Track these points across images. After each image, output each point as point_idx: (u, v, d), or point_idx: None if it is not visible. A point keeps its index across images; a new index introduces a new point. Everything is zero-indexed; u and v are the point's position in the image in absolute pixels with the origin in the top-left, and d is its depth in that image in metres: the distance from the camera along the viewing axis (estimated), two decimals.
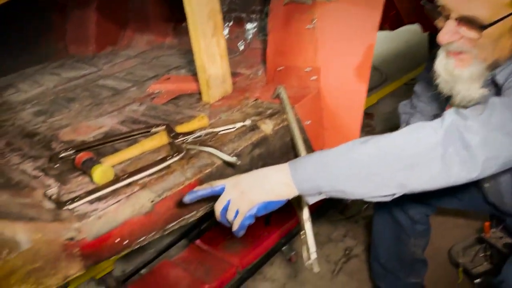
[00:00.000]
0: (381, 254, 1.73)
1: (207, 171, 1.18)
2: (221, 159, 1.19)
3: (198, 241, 2.28)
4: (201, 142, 1.26)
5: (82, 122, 1.62)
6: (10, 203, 1.03)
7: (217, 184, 1.03)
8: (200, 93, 1.60)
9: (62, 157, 1.29)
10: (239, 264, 2.09)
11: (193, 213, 1.19)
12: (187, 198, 1.03)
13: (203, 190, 1.04)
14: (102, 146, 1.36)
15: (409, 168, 0.90)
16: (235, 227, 1.02)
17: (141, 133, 1.36)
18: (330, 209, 2.44)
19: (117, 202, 1.06)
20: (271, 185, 0.97)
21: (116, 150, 1.31)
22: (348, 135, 1.34)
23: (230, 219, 1.02)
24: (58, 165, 1.25)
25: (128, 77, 2.06)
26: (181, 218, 1.17)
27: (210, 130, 1.29)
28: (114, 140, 1.36)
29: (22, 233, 0.90)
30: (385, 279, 1.76)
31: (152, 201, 1.09)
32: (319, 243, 2.27)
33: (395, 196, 0.95)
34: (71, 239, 0.98)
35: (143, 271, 2.22)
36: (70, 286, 2.10)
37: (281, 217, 2.27)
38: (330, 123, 1.41)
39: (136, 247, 1.12)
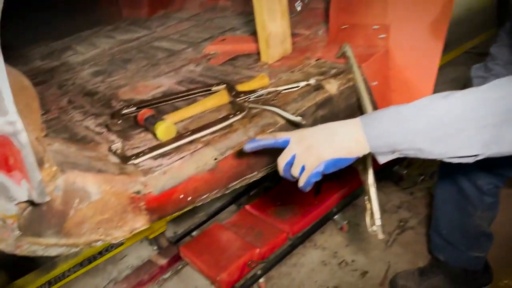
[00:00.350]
0: (443, 225, 1.65)
1: (269, 130, 1.15)
2: (284, 118, 1.15)
3: (248, 207, 2.28)
4: (263, 101, 1.22)
5: (140, 82, 1.62)
6: (78, 155, 1.04)
7: (281, 136, 0.95)
8: (258, 54, 1.56)
9: (123, 114, 1.30)
10: (290, 231, 2.07)
11: (254, 173, 1.17)
12: (247, 146, 0.97)
13: (266, 140, 0.96)
14: (162, 104, 1.35)
15: (498, 125, 0.81)
16: (300, 184, 0.96)
17: (202, 91, 1.34)
18: (384, 180, 2.36)
19: (181, 158, 1.05)
20: (340, 141, 0.90)
21: (176, 109, 1.30)
22: (419, 97, 1.25)
23: (295, 175, 0.96)
24: (120, 121, 1.25)
25: (182, 39, 2.04)
26: (243, 177, 1.15)
27: (273, 89, 1.24)
28: (174, 99, 1.35)
29: (92, 184, 0.91)
30: (445, 251, 1.69)
31: (215, 159, 1.07)
32: None
33: (477, 159, 0.87)
34: (138, 192, 0.98)
35: (194, 233, 2.26)
36: (125, 244, 2.18)
37: (332, 186, 2.23)
38: (399, 84, 1.32)
39: (199, 204, 1.12)
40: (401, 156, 0.91)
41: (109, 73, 1.78)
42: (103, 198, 0.93)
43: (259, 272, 1.92)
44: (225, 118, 1.15)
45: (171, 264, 2.14)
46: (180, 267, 2.15)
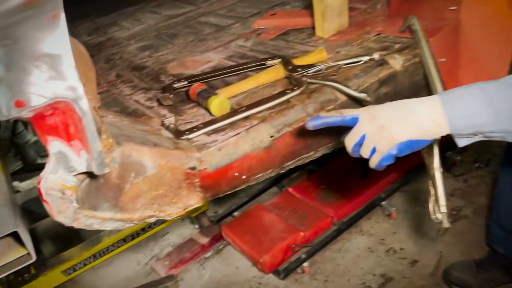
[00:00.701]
0: (504, 216, 1.54)
1: (329, 107, 1.08)
2: (346, 95, 1.07)
3: (290, 189, 2.23)
4: (322, 76, 1.15)
5: (188, 57, 1.58)
6: (132, 128, 1.01)
7: (349, 114, 0.87)
8: (312, 28, 1.47)
9: (175, 88, 1.25)
10: (335, 215, 2.01)
11: (311, 153, 1.11)
12: (311, 124, 0.89)
13: (331, 117, 0.88)
14: (213, 79, 1.30)
15: None
16: (371, 166, 0.89)
17: (255, 66, 1.27)
18: None
19: (236, 134, 1.00)
20: (416, 120, 0.82)
21: (227, 84, 1.24)
22: (492, 75, 1.15)
23: (365, 157, 0.89)
24: (171, 96, 1.20)
25: (229, 14, 1.97)
26: (299, 157, 1.09)
27: (333, 63, 1.17)
28: (225, 73, 1.29)
29: (148, 158, 0.87)
30: (505, 244, 1.58)
31: (271, 136, 1.02)
32: (422, 201, 2.12)
33: None
34: (193, 168, 0.94)
35: (235, 213, 2.23)
36: (167, 222, 2.18)
37: (380, 171, 2.13)
38: (469, 61, 1.21)
39: (252, 183, 1.07)
40: (484, 139, 0.82)
41: (156, 48, 1.74)
42: (159, 172, 0.89)
43: (303, 256, 1.87)
44: (282, 94, 1.08)
45: (213, 244, 2.13)
46: (221, 246, 2.13)
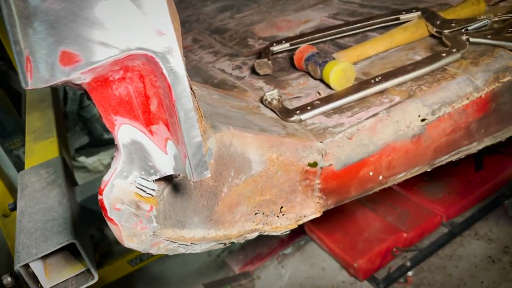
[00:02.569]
0: None
1: (506, 79, 0.74)
2: None
3: None
4: (490, 33, 0.80)
5: (279, 17, 1.28)
6: (225, 105, 0.74)
7: None
8: None
9: (273, 53, 0.96)
10: (444, 214, 1.66)
11: (473, 145, 0.77)
12: None
13: None
14: (320, 41, 0.98)
15: None
16: None
17: (384, 21, 0.94)
18: None
19: (372, 116, 0.69)
20: None
21: (340, 48, 0.93)
22: None
23: None
24: (269, 62, 0.91)
25: None
26: (457, 150, 0.76)
27: (506, 15, 0.81)
28: (339, 32, 0.98)
29: (254, 149, 0.59)
30: None
31: (423, 120, 0.70)
32: None
33: None
34: (313, 165, 0.65)
35: None
36: None
37: (500, 161, 1.74)
38: None
39: (389, 185, 0.76)
40: None
41: (238, 8, 1.46)
42: (267, 170, 0.62)
43: (408, 263, 1.55)
44: (435, 58, 0.76)
45: (293, 238, 1.86)
46: (302, 242, 1.86)
